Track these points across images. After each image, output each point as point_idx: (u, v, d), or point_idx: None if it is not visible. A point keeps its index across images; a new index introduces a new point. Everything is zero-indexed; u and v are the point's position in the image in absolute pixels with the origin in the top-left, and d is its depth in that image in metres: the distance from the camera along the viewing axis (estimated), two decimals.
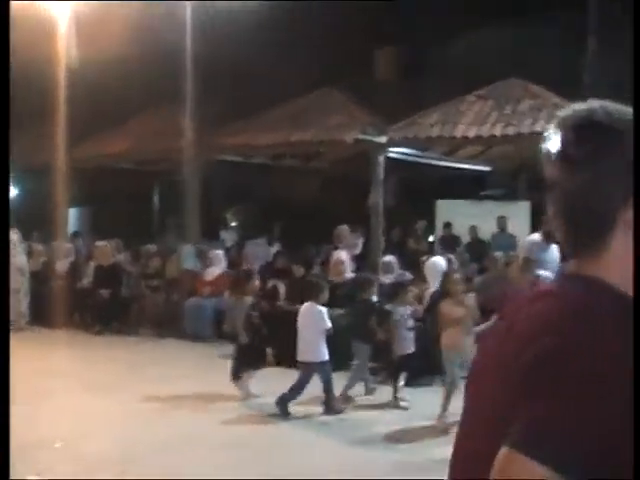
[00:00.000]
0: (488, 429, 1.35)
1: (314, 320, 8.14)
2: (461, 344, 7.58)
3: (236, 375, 8.55)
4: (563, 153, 1.39)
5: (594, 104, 1.41)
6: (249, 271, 10.19)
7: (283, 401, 7.85)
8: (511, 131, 11.39)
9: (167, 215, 16.59)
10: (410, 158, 13.14)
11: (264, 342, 8.59)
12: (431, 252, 12.77)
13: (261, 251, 13.77)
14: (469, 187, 15.33)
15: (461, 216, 14.42)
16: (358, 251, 12.82)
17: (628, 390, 1.22)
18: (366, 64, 18.07)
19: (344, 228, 12.89)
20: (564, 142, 1.39)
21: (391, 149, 12.21)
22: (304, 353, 8.11)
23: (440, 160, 14.20)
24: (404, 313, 8.49)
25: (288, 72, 15.06)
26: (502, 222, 13.91)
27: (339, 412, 7.96)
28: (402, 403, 8.24)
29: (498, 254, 10.98)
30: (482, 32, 16.10)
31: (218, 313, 11.33)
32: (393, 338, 8.42)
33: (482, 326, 7.39)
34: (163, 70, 14.14)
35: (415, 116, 12.06)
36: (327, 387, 8.03)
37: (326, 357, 8.07)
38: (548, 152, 1.42)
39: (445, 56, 17.03)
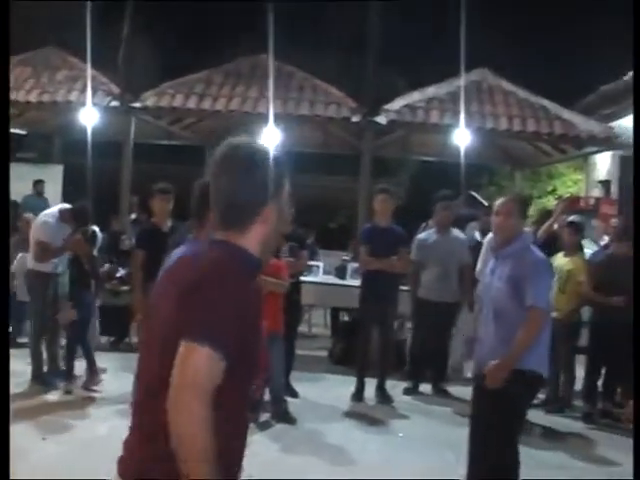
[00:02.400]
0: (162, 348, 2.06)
1: None
2: None
3: None
4: (214, 168, 2.18)
5: (243, 141, 2.20)
6: None
7: None
8: (46, 98, 11.76)
9: None
10: None
11: None
12: None
13: None
14: None
15: None
16: None
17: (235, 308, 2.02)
18: None
19: None
20: (214, 161, 2.18)
21: None
22: None
23: None
24: None
25: None
26: (39, 186, 14.23)
27: None
28: None
29: (29, 215, 11.17)
30: None
31: None
32: None
33: None
34: None
35: None
36: None
37: None
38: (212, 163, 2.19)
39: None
